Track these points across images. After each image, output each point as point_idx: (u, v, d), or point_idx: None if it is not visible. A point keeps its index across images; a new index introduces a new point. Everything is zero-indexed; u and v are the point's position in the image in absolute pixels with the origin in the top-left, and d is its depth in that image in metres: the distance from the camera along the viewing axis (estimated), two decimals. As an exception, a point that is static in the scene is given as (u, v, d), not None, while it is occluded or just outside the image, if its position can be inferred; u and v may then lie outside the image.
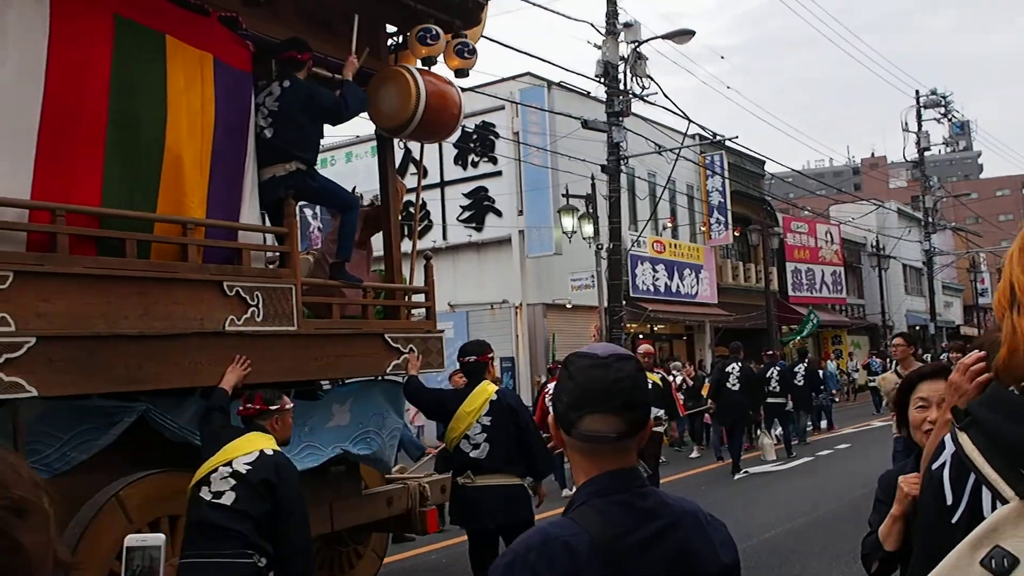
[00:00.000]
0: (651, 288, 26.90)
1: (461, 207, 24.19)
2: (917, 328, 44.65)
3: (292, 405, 4.90)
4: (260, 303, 5.60)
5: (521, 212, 23.10)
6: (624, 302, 25.16)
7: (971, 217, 69.78)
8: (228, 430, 4.82)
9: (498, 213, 23.67)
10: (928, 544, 1.39)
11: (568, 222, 21.24)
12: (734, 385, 16.02)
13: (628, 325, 25.60)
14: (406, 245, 8.03)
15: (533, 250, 22.86)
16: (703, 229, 30.35)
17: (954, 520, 1.33)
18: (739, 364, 16.57)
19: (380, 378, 6.91)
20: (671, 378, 17.15)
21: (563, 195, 21.63)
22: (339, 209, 6.83)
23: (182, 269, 5.29)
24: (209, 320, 5.32)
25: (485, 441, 6.01)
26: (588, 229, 21.67)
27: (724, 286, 31.16)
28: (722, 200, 30.26)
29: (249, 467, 4.44)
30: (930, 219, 42.19)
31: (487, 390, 6.16)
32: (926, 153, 43.61)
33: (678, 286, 28.23)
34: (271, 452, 4.55)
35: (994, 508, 1.27)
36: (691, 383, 21.22)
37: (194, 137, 5.54)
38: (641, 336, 27.52)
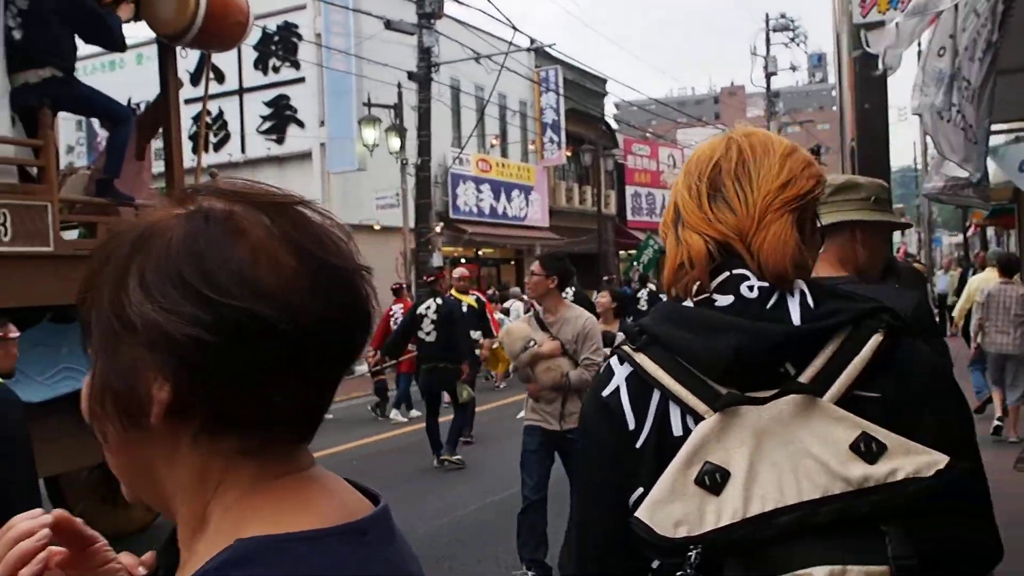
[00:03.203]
0: (474, 209, 25.38)
1: (261, 117, 22.00)
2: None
3: (17, 334, 4.35)
4: (8, 221, 5.29)
5: (323, 123, 21.07)
6: (442, 224, 23.61)
7: (825, 148, 70.88)
8: None
9: (300, 124, 21.60)
10: (610, 472, 1.33)
11: (370, 134, 19.34)
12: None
13: (445, 248, 24.08)
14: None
15: (334, 165, 20.95)
16: (533, 148, 28.87)
17: (638, 445, 1.30)
18: (574, 288, 15.47)
19: None
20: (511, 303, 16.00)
21: (364, 104, 19.66)
22: (108, 122, 6.47)
23: None
24: None
25: None
26: (395, 143, 19.85)
27: (557, 209, 29.92)
28: (556, 118, 28.81)
29: None
30: (774, 145, 41.93)
31: None
32: (784, 85, 43.31)
33: (505, 208, 26.81)
34: None
35: (684, 425, 1.27)
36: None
37: None
38: (464, 260, 26.09)
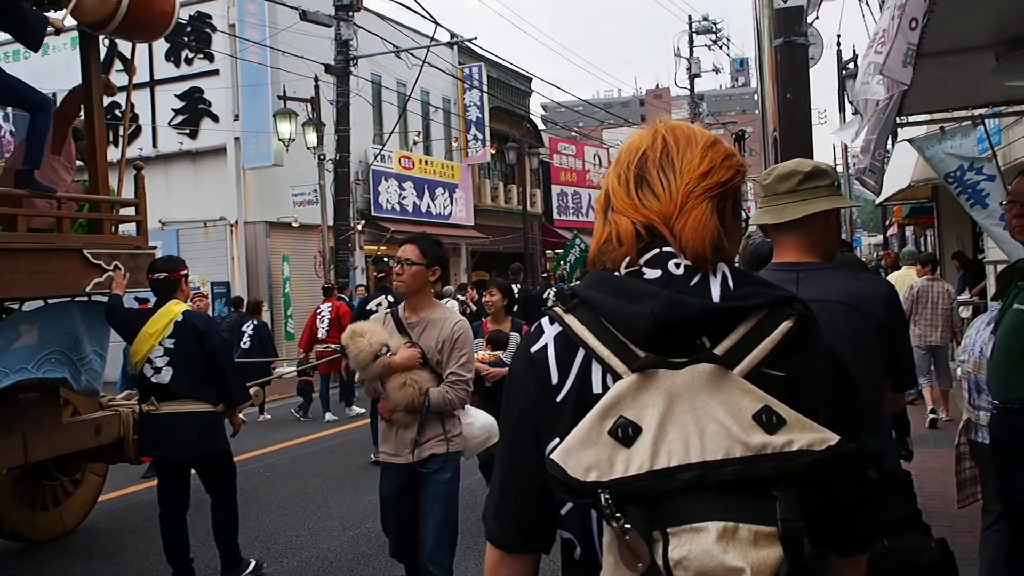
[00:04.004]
0: (396, 207, 24.85)
1: (174, 110, 21.16)
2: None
3: None
4: None
5: (238, 117, 20.34)
6: (364, 221, 23.06)
7: (747, 150, 71.80)
8: None
9: (214, 118, 20.80)
10: (529, 422, 1.43)
11: (286, 128, 18.71)
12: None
13: (368, 247, 23.54)
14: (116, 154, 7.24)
15: (250, 160, 20.23)
16: (455, 145, 28.43)
17: (559, 398, 1.39)
18: (519, 286, 15.45)
19: (88, 298, 6.52)
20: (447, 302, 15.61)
21: (279, 97, 19.01)
22: (27, 110, 6.20)
23: None
24: None
25: (168, 365, 5.59)
26: (312, 138, 19.25)
27: (482, 207, 29.54)
28: (480, 115, 28.40)
29: None
30: (698, 146, 42.17)
31: (173, 310, 5.70)
32: (708, 89, 43.65)
33: (429, 206, 26.33)
34: None
35: (604, 382, 1.35)
36: (474, 307, 19.30)
37: None
38: (387, 259, 25.56)
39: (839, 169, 38.23)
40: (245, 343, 12.78)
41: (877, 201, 15.97)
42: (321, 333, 12.87)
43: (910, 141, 8.26)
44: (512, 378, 1.51)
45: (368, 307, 9.71)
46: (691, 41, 42.29)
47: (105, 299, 6.22)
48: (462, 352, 4.31)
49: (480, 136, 28.49)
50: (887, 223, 23.96)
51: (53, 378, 6.25)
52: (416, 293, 4.35)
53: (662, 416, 1.26)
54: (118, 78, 9.87)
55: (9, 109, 21.96)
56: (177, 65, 21.11)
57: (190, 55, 20.95)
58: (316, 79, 19.26)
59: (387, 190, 24.49)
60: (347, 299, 15.52)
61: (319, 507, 7.74)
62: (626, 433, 1.25)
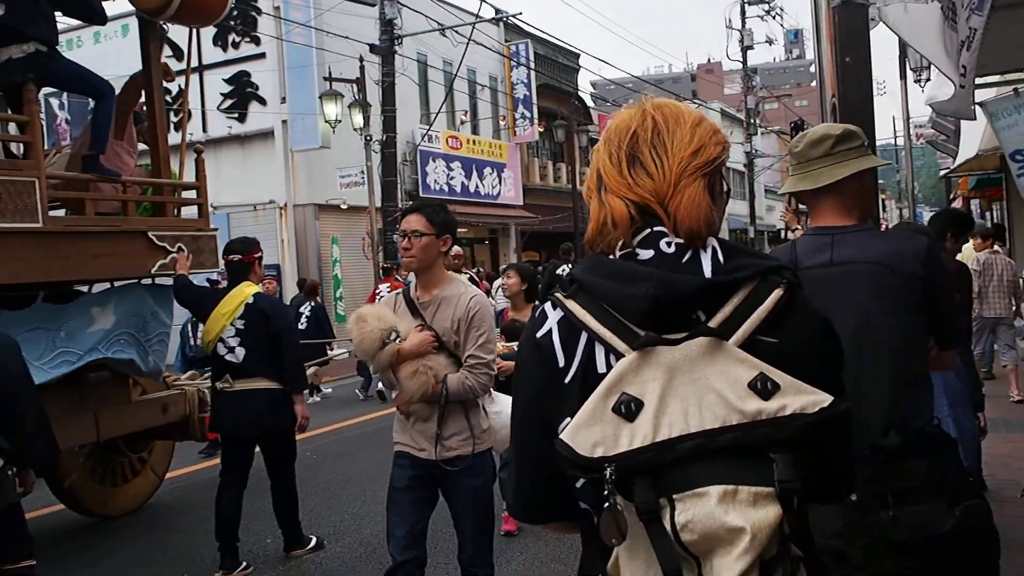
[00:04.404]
0: (444, 187, 24.69)
1: (222, 94, 21.18)
2: (738, 232, 44.29)
3: None
4: None
5: (284, 100, 20.28)
6: (411, 202, 22.93)
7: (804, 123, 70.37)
8: None
9: (262, 101, 20.79)
10: (540, 403, 1.48)
11: (332, 110, 18.58)
12: None
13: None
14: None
15: (297, 143, 20.18)
16: (503, 124, 28.14)
17: (567, 380, 1.45)
18: (570, 266, 15.24)
19: (152, 280, 6.67)
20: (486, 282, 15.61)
21: (325, 78, 18.89)
22: (91, 97, 6.34)
23: None
24: None
25: (240, 345, 5.72)
26: (358, 119, 19.10)
27: (531, 186, 29.26)
28: (528, 93, 28.10)
29: None
30: (752, 120, 41.37)
31: (244, 292, 5.81)
32: (761, 62, 42.76)
33: (477, 185, 26.13)
34: None
35: (607, 362, 1.40)
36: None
37: None
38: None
39: (899, 141, 37.23)
40: (302, 324, 12.79)
41: (941, 173, 15.37)
42: (380, 314, 12.80)
43: (981, 105, 7.77)
44: (520, 364, 1.56)
45: (377, 294, 9.60)
46: (743, 12, 41.41)
47: (169, 281, 6.42)
48: (480, 331, 3.76)
49: (528, 114, 28.19)
50: (951, 196, 23.18)
51: (121, 359, 6.37)
52: (428, 268, 3.81)
53: (663, 390, 1.32)
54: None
55: (65, 97, 22.24)
56: (224, 49, 21.11)
57: (237, 39, 20.93)
58: (361, 59, 19.12)
59: (435, 170, 24.33)
60: (404, 279, 15.46)
61: (363, 492, 7.63)
62: (629, 409, 1.31)
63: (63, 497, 7.01)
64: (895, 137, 45.35)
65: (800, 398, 1.30)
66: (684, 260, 1.43)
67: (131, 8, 6.48)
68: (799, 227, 7.73)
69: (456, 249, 11.85)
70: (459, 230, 24.83)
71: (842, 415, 1.32)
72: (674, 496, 1.25)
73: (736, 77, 49.92)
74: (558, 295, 1.49)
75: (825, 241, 2.59)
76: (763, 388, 1.30)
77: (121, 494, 7.38)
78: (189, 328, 10.59)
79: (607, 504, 1.27)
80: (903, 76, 9.85)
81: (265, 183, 20.46)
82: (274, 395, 5.74)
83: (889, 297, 2.48)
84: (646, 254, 1.45)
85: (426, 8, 20.36)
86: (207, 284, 7.71)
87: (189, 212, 7.21)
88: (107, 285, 6.65)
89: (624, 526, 1.28)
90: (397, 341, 3.72)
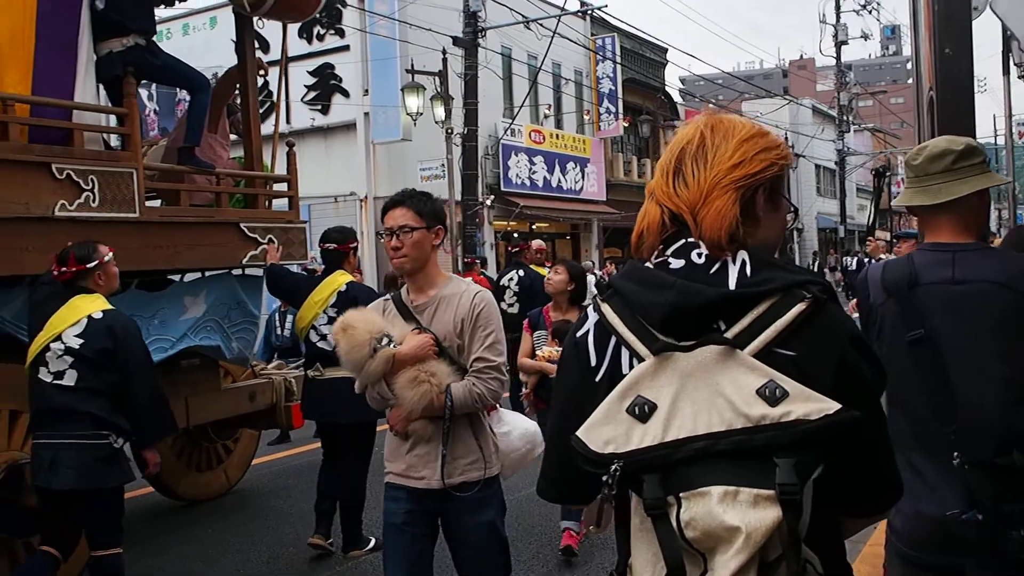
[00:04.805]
0: (527, 182, 24.48)
1: (306, 87, 21.31)
2: (827, 231, 43.11)
3: (111, 253, 4.59)
4: (96, 187, 5.38)
5: (367, 92, 20.31)
6: (492, 196, 22.80)
7: (897, 123, 68.54)
8: (53, 298, 4.47)
9: (345, 93, 20.88)
10: (573, 400, 1.58)
11: (414, 102, 18.52)
12: None
13: (497, 222, 23.29)
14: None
15: (379, 135, 20.19)
16: (587, 118, 27.76)
17: (597, 379, 1.55)
18: None
19: (243, 270, 6.81)
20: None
21: (407, 71, 18.84)
22: (187, 90, 6.61)
23: (1, 149, 5.00)
24: (35, 205, 5.09)
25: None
26: (440, 112, 19.02)
27: (615, 182, 28.85)
28: (613, 88, 27.68)
29: (81, 340, 4.30)
30: (845, 117, 40.20)
31: (338, 280, 5.84)
32: (856, 58, 41.50)
33: (559, 180, 25.85)
34: (100, 315, 4.36)
35: (631, 365, 1.49)
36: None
37: (12, 6, 5.33)
38: (516, 235, 25.27)
39: (1000, 140, 35.75)
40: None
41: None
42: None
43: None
44: (563, 360, 1.68)
45: (501, 283, 9.54)
46: (838, 6, 40.13)
47: (258, 272, 6.65)
48: (487, 331, 3.25)
49: (613, 109, 27.79)
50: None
51: (208, 346, 6.50)
52: (422, 268, 3.32)
53: (675, 394, 1.39)
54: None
55: (154, 88, 22.66)
56: (309, 42, 21.23)
57: (321, 31, 21.05)
58: (444, 52, 19.02)
59: (517, 164, 24.14)
60: (487, 274, 15.41)
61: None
62: (642, 411, 1.39)
63: (151, 479, 7.11)
64: (995, 136, 43.54)
65: (806, 405, 1.33)
66: (712, 272, 1.49)
67: (221, 0, 6.67)
68: (883, 256, 7.52)
69: (538, 243, 11.76)
70: (540, 225, 24.65)
71: (850, 423, 1.33)
72: (680, 494, 1.32)
73: (829, 73, 48.57)
74: (597, 299, 1.61)
75: (946, 258, 2.56)
76: (771, 395, 1.35)
77: (208, 479, 7.58)
78: (276, 318, 10.77)
79: (600, 494, 1.36)
80: (1006, 72, 9.28)
81: (346, 175, 20.55)
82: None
83: (1008, 318, 2.47)
84: (677, 264, 1.52)
85: (511, 1, 20.16)
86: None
87: (279, 204, 7.34)
88: (198, 275, 6.84)
89: (606, 517, 1.44)
90: (391, 347, 3.21)
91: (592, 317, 1.60)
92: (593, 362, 1.56)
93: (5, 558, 4.91)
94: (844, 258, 30.52)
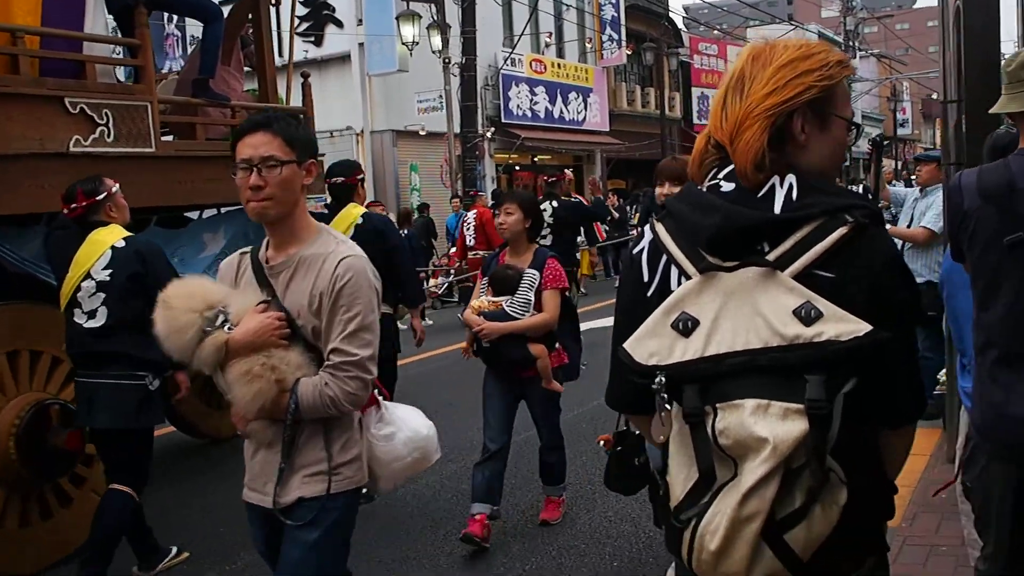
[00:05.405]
0: (528, 113, 23.93)
1: (298, 18, 20.56)
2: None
3: (117, 184, 4.49)
4: (111, 122, 5.28)
5: (361, 21, 19.67)
6: (493, 128, 22.28)
7: (901, 49, 67.26)
8: (71, 239, 4.42)
9: (338, 23, 20.25)
10: (628, 313, 1.66)
11: (409, 31, 17.94)
12: None
13: (498, 155, 22.81)
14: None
15: (374, 67, 19.62)
16: (589, 47, 27.04)
17: (649, 294, 1.65)
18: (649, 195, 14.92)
19: None
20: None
21: (402, -2, 18.23)
22: (200, 20, 6.41)
23: (13, 83, 4.90)
24: (50, 140, 4.99)
25: None
26: (436, 41, 18.43)
27: (618, 112, 28.22)
28: (616, 15, 26.94)
29: (110, 272, 4.28)
30: (851, 43, 39.33)
31: (352, 214, 5.63)
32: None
33: (561, 111, 25.28)
34: (123, 243, 4.35)
35: (679, 283, 1.58)
36: (615, 215, 18.54)
37: None
38: (517, 168, 24.80)
39: None
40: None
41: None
42: (468, 241, 12.33)
43: None
44: (622, 278, 1.79)
45: (465, 222, 9.26)
46: (846, -73, 39.04)
47: None
48: (350, 313, 2.43)
49: (615, 37, 27.07)
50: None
51: None
52: (288, 215, 2.51)
53: (718, 311, 1.48)
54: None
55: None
56: (300, -31, 20.54)
57: (313, -42, 20.34)
58: (441, -23, 18.37)
59: (518, 95, 23.55)
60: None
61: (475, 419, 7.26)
62: (686, 326, 1.49)
63: (172, 418, 6.97)
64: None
65: (839, 326, 1.40)
66: (760, 195, 1.56)
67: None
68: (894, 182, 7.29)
69: (567, 173, 11.43)
70: (542, 157, 24.20)
71: (875, 344, 1.39)
72: (717, 405, 1.42)
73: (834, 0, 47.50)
74: (653, 219, 1.69)
75: None
76: (807, 315, 1.42)
77: (228, 417, 7.43)
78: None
79: (656, 405, 1.50)
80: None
81: (341, 109, 20.00)
82: (385, 322, 5.21)
83: None
84: (728, 187, 1.60)
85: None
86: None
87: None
88: (214, 211, 6.72)
89: (668, 427, 1.52)
90: (225, 328, 2.45)
91: (648, 236, 1.68)
92: (646, 278, 1.66)
93: (34, 500, 4.78)
94: (850, 187, 30.64)
